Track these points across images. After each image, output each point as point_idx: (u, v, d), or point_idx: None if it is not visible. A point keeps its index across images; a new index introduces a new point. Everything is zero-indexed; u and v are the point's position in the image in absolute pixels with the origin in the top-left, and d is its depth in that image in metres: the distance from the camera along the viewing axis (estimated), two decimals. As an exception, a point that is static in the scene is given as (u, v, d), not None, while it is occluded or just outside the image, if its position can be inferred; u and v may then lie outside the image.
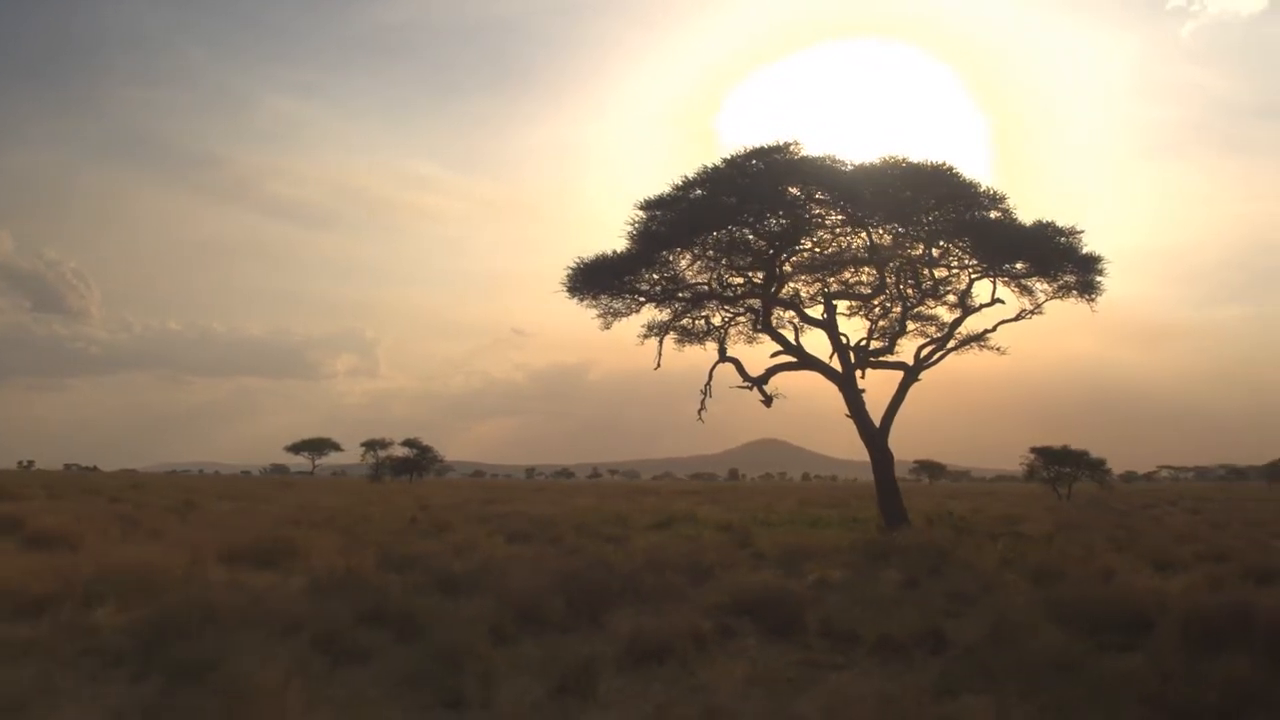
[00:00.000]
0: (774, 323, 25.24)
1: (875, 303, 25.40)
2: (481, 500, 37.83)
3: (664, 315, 25.49)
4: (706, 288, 25.04)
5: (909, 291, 25.07)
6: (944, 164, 22.56)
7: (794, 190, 22.82)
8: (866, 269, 24.91)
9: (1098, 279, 23.43)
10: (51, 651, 7.08)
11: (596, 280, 24.36)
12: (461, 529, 19.29)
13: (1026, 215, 23.29)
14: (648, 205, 23.29)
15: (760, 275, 24.59)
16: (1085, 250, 23.13)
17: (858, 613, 9.61)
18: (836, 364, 24.25)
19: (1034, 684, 6.47)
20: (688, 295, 25.14)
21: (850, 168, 22.47)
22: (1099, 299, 23.78)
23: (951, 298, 25.08)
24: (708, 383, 25.50)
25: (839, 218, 23.43)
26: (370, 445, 78.14)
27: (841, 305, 25.44)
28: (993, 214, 22.89)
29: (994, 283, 24.21)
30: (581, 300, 24.71)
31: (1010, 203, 22.88)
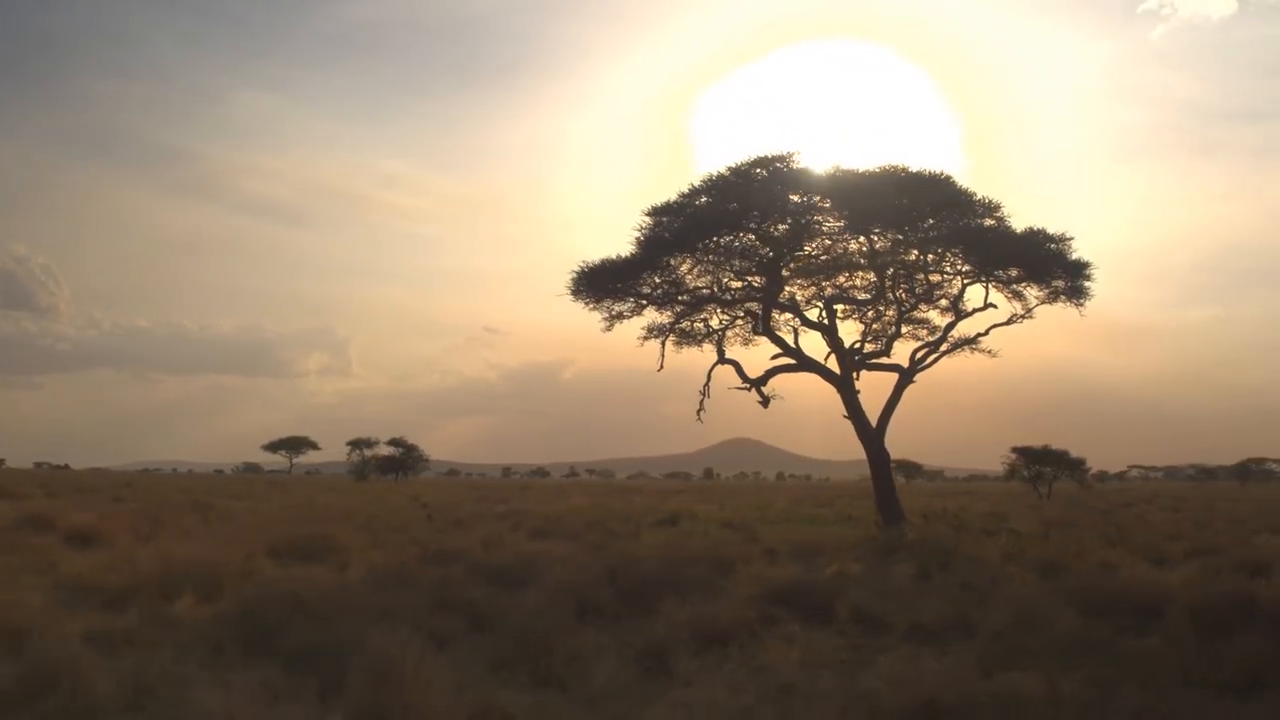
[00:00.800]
0: (773, 326, 25.91)
1: (871, 307, 26.17)
2: (475, 499, 38.12)
3: (665, 318, 26.14)
4: (706, 291, 25.69)
5: (904, 296, 25.86)
6: (941, 172, 23.46)
7: (795, 197, 23.55)
8: (863, 274, 25.69)
9: (1086, 284, 24.33)
10: (154, 641, 7.51)
11: (600, 284, 24.95)
12: (477, 526, 19.76)
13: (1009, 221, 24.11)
14: (655, 212, 23.92)
15: (760, 279, 25.25)
16: (1074, 256, 24.05)
17: (882, 603, 10.27)
18: (834, 366, 24.97)
19: (1067, 663, 7.12)
20: (687, 299, 25.77)
21: (850, 175, 23.22)
22: (1086, 304, 24.69)
23: (945, 302, 25.91)
24: (706, 384, 26.18)
25: (838, 224, 24.16)
26: (356, 444, 78.28)
27: (838, 309, 26.19)
28: (987, 221, 23.72)
29: (986, 288, 25.04)
30: (585, 303, 25.31)
31: (1005, 211, 23.79)
